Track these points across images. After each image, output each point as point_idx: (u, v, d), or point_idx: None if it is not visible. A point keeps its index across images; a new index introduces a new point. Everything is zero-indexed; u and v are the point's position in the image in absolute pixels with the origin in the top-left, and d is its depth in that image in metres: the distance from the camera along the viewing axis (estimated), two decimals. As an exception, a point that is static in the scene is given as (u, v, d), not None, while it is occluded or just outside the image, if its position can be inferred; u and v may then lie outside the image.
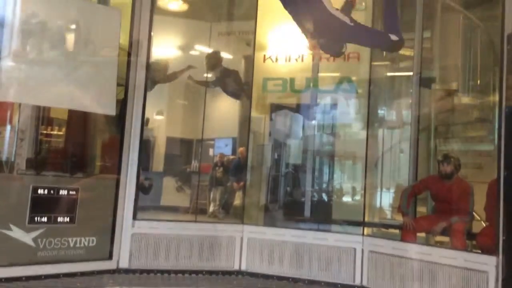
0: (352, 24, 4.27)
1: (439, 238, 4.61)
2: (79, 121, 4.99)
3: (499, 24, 3.93)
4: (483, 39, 5.63)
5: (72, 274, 4.20)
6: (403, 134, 5.56)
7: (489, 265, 3.67)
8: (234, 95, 6.16)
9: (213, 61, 6.09)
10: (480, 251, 4.09)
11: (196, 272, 4.68)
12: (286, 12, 5.77)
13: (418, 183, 4.91)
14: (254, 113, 5.57)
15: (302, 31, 4.58)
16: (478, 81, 5.75)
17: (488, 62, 5.49)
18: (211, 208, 6.11)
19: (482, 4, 5.49)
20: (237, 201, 5.96)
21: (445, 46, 5.71)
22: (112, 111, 4.65)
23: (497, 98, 4.28)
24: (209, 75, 6.24)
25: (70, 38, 4.60)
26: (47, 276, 4.06)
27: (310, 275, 4.63)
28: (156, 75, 5.55)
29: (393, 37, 4.11)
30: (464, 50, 5.71)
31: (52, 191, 4.16)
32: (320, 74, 5.61)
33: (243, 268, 4.81)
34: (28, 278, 3.97)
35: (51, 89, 4.34)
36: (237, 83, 6.04)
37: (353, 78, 5.49)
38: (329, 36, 4.47)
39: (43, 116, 5.09)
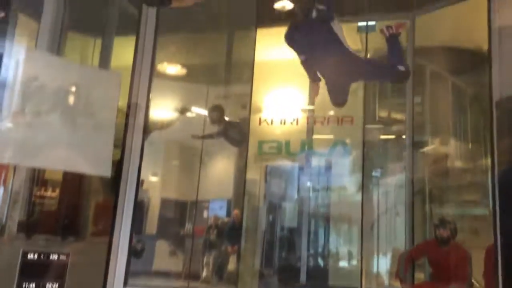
0: (364, 59, 4.28)
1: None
2: (73, 182, 4.96)
3: (487, 90, 4.03)
4: (473, 104, 5.78)
5: None
6: (398, 197, 5.56)
7: (491, 336, 3.55)
8: (239, 144, 6.17)
9: (216, 114, 6.18)
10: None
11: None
12: (281, 75, 5.99)
13: (415, 248, 4.85)
14: (249, 175, 5.58)
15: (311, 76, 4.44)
16: (470, 145, 5.85)
17: (478, 126, 5.61)
18: (204, 273, 5.94)
19: (470, 71, 5.69)
20: (231, 265, 5.82)
21: (436, 110, 5.85)
22: (107, 172, 4.62)
23: (489, 162, 4.33)
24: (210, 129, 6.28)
25: (69, 100, 4.67)
26: None
27: None
28: (153, 122, 5.56)
29: (401, 68, 4.11)
30: (455, 114, 5.84)
31: (42, 256, 4.05)
32: (315, 137, 5.69)
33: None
34: None
35: (48, 151, 4.34)
36: (241, 134, 6.07)
37: (347, 141, 5.57)
38: (346, 77, 4.39)
39: (37, 177, 5.06)
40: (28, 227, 4.54)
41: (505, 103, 3.80)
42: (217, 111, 6.20)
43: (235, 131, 6.07)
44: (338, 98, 4.45)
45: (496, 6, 3.82)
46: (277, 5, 5.69)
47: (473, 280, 4.42)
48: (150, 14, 5.01)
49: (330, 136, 5.65)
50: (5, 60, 4.32)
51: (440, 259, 4.48)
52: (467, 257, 4.40)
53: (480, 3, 4.01)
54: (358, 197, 5.15)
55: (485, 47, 4.17)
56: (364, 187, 5.12)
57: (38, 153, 4.28)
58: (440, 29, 5.28)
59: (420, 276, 5.04)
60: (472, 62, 5.45)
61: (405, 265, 4.54)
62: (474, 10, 4.38)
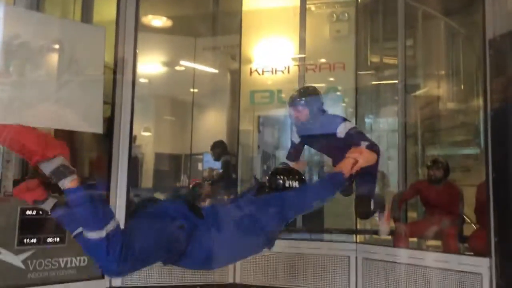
0: None
1: (431, 242, 4.63)
2: (65, 140, 4.91)
3: (480, 30, 3.95)
4: (465, 45, 5.73)
5: (64, 295, 4.11)
6: (391, 141, 5.60)
7: (483, 267, 3.68)
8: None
9: (219, 150, 6.06)
10: (472, 254, 4.12)
11: (190, 287, 4.62)
12: (270, 24, 5.86)
13: (408, 189, 4.94)
14: (242, 126, 5.56)
15: None
16: (462, 86, 5.84)
17: (470, 67, 5.59)
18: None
19: (462, 11, 5.60)
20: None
21: (428, 53, 5.79)
22: (99, 129, 4.57)
23: (481, 102, 4.32)
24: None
25: (54, 57, 4.55)
26: (38, 298, 3.97)
27: (305, 285, 4.60)
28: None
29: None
30: (447, 56, 5.80)
31: (40, 212, 4.09)
32: (307, 85, 5.64)
33: (238, 281, 4.77)
34: (19, 302, 3.87)
35: (35, 109, 4.26)
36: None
37: (339, 88, 5.53)
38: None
39: (29, 136, 4.98)
40: (24, 186, 4.52)
41: (498, 42, 3.75)
42: (220, 147, 6.06)
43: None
44: None
45: None
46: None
47: (464, 216, 4.55)
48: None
49: (322, 84, 5.61)
50: (-17, 18, 4.16)
51: (433, 198, 4.59)
52: (459, 194, 4.51)
53: None
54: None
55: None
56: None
57: (26, 111, 4.21)
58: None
59: (413, 215, 5.18)
60: (464, 1, 5.36)
61: (398, 205, 4.64)
62: None
